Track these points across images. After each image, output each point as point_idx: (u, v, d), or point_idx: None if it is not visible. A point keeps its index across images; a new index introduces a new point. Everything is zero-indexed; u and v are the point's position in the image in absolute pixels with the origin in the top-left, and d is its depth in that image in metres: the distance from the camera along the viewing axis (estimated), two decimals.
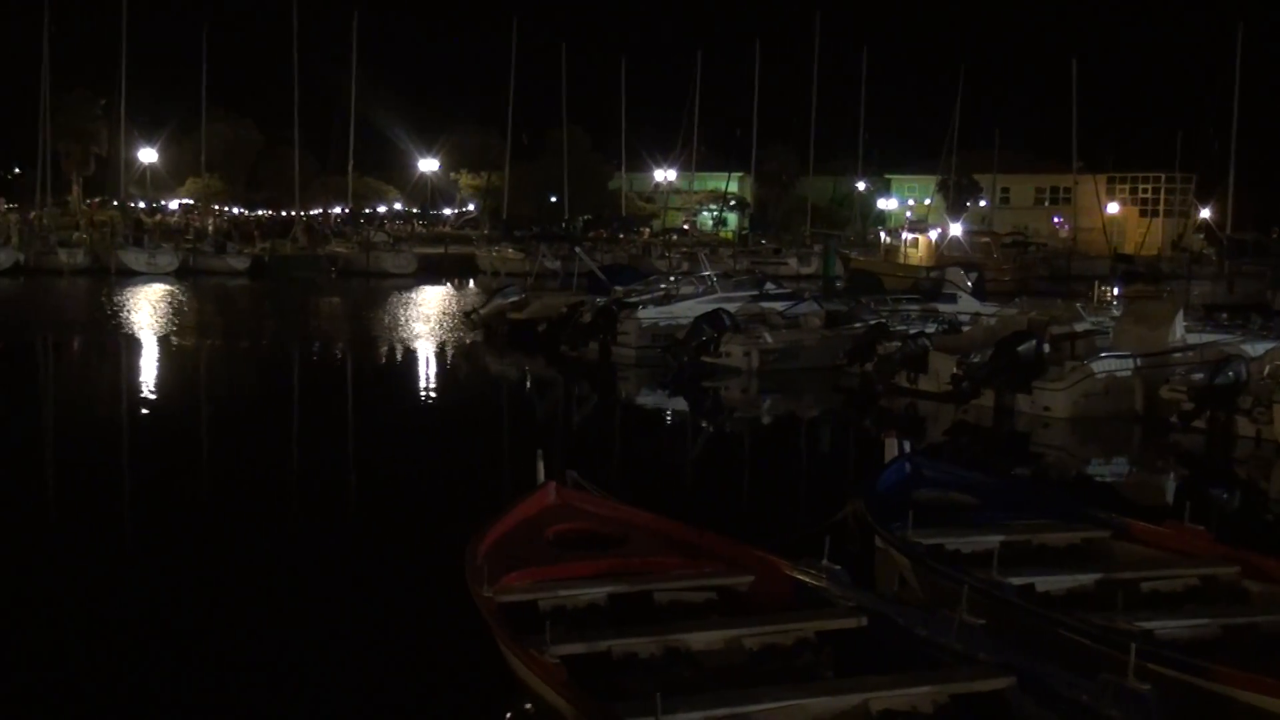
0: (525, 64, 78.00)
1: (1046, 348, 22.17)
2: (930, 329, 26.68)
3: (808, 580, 9.12)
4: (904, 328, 26.83)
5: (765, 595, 9.23)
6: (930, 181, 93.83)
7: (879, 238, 69.95)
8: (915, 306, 30.87)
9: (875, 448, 14.42)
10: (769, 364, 26.46)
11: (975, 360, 21.92)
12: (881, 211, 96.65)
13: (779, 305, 30.40)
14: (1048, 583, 9.81)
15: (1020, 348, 21.67)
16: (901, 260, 59.40)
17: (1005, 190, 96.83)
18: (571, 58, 79.12)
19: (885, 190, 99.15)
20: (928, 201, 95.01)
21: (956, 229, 63.92)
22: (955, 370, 22.08)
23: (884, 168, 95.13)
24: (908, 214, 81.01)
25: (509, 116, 78.04)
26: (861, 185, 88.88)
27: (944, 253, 58.42)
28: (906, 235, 64.13)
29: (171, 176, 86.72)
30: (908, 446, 13.19)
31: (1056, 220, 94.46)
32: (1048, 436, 20.69)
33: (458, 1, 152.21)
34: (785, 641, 8.44)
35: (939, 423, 21.76)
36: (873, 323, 27.41)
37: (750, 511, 14.97)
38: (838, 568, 9.22)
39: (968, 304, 31.46)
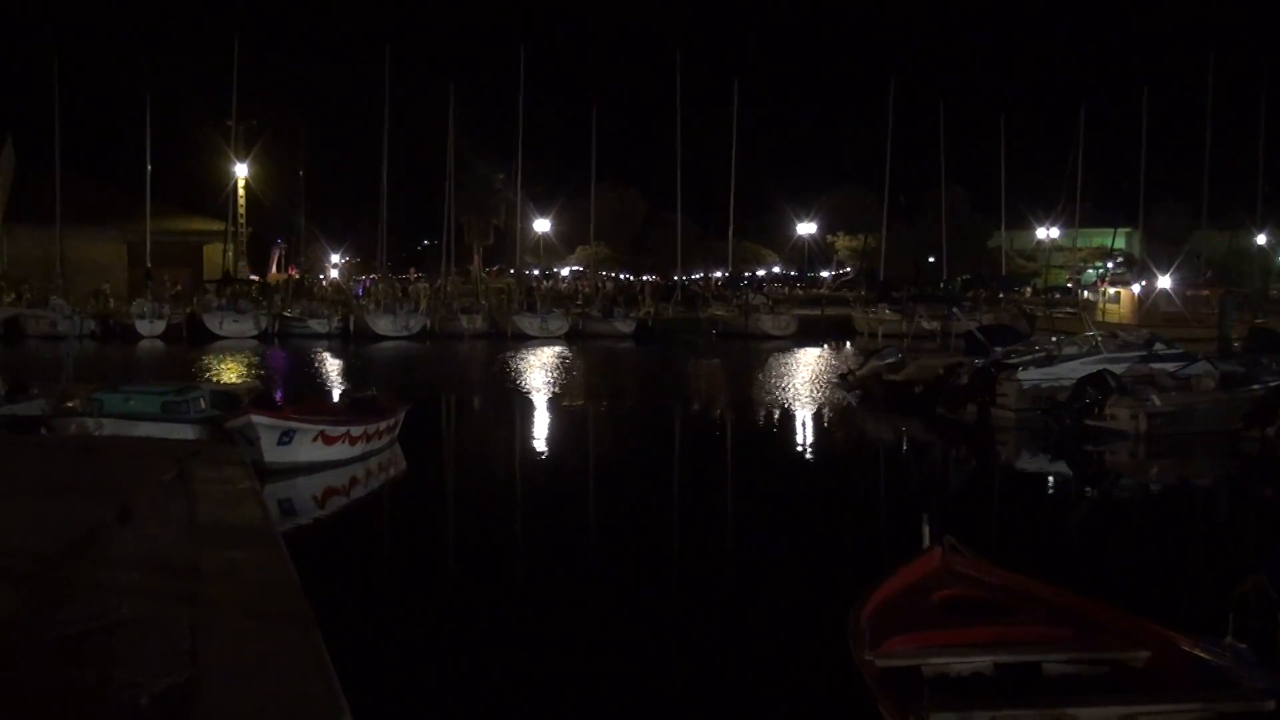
0: (902, 124, 77.94)
1: None
2: None
3: (1209, 659, 8.72)
4: None
5: (1162, 672, 8.88)
6: None
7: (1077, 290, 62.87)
8: None
9: (1278, 518, 13.61)
10: (1158, 428, 25.27)
11: None
12: None
13: (1169, 366, 29.02)
14: None
15: None
16: (1100, 318, 53.04)
17: None
18: (950, 116, 78.43)
19: None
20: None
21: (1165, 281, 55.71)
22: None
23: None
24: (1109, 264, 71.20)
25: (886, 177, 78.02)
26: (1262, 239, 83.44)
27: (1150, 309, 51.53)
28: (1108, 289, 56.67)
29: (563, 245, 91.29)
30: None
31: None
32: None
33: (835, 65, 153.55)
34: None
35: None
36: (1273, 384, 25.78)
37: (1142, 583, 14.36)
38: (1243, 646, 8.76)
39: None
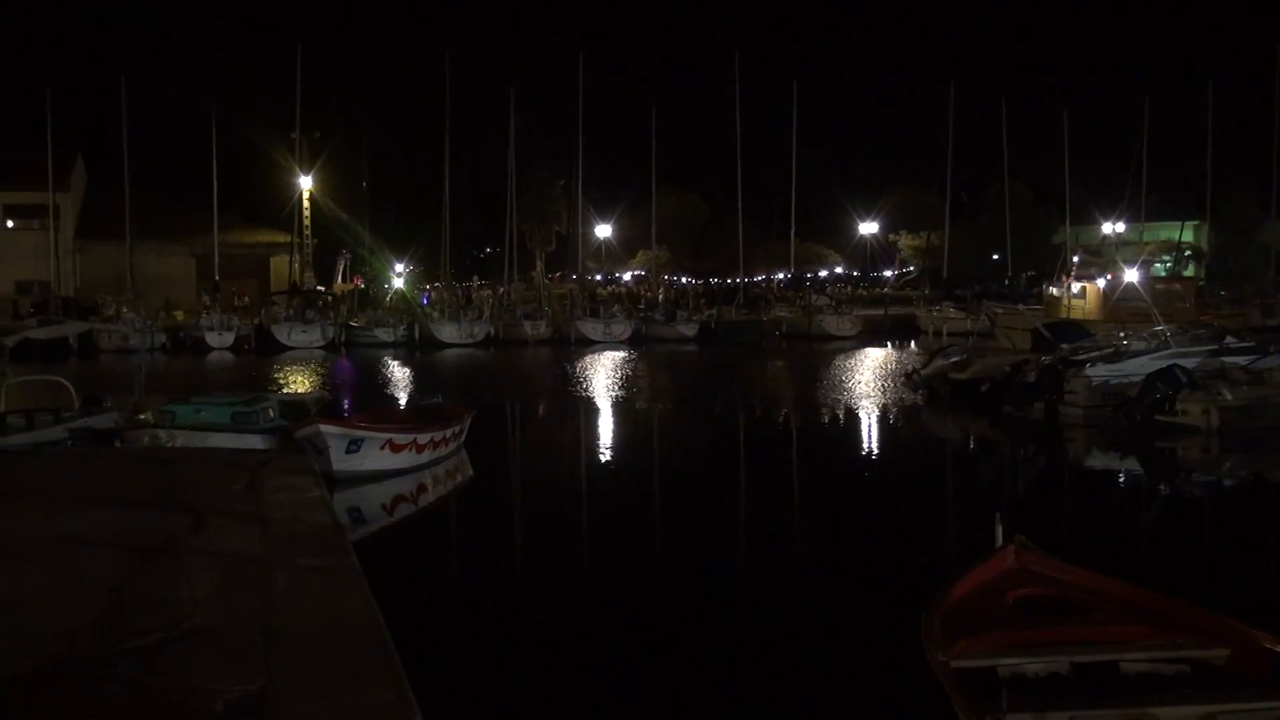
0: (964, 120, 77.43)
1: None
2: None
3: None
4: None
5: (1244, 670, 8.71)
6: None
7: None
8: None
9: None
10: (1231, 422, 24.87)
11: None
12: None
13: (1241, 360, 28.55)
14: None
15: None
16: (1064, 313, 51.37)
17: None
18: (1011, 111, 77.80)
19: None
20: None
21: (1132, 275, 53.29)
22: None
23: None
24: (1074, 257, 68.57)
25: (948, 175, 77.53)
26: None
27: (1117, 304, 49.29)
28: (1073, 284, 54.42)
29: (624, 249, 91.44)
30: None
31: None
32: None
33: (894, 63, 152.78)
34: None
35: None
36: None
37: (1220, 579, 14.15)
38: None
39: None
